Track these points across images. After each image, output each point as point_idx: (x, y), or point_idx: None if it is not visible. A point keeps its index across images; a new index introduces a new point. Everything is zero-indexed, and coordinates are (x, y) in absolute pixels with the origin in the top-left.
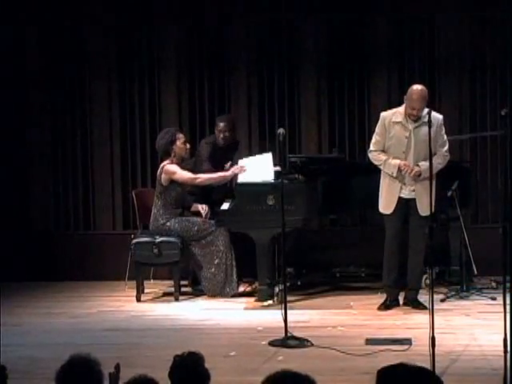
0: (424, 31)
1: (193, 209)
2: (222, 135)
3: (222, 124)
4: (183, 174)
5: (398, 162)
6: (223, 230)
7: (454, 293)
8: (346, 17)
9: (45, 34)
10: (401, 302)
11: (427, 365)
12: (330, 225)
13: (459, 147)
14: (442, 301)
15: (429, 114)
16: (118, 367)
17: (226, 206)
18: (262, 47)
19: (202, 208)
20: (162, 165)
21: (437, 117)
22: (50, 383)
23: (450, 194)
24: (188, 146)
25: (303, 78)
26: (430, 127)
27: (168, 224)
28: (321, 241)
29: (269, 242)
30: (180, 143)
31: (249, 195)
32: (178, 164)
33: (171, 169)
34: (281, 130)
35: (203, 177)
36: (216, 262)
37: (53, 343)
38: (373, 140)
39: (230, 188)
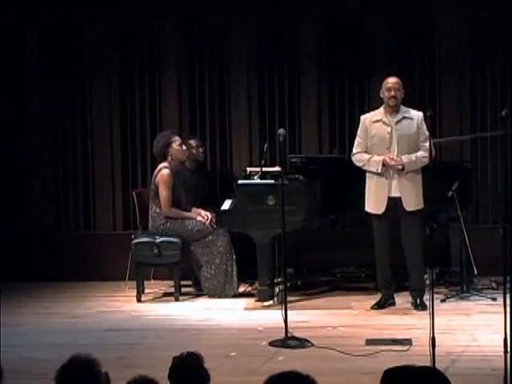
0: (424, 32)
1: (192, 214)
2: (201, 150)
3: (194, 141)
4: (165, 196)
5: (381, 157)
6: (223, 230)
7: (454, 293)
8: (346, 18)
9: (45, 34)
10: (398, 302)
11: (427, 365)
12: (330, 225)
13: (460, 147)
14: (443, 301)
15: (431, 113)
16: (106, 375)
17: (226, 206)
18: (262, 47)
19: (203, 217)
20: (159, 166)
21: (416, 113)
22: (51, 383)
23: (450, 194)
24: (185, 147)
25: (304, 79)
26: (431, 128)
27: (168, 224)
28: (321, 241)
29: (269, 243)
30: (176, 145)
31: (249, 195)
32: (177, 170)
33: (163, 179)
34: (281, 131)
35: (176, 213)
36: (216, 262)
37: (53, 343)
38: (355, 143)
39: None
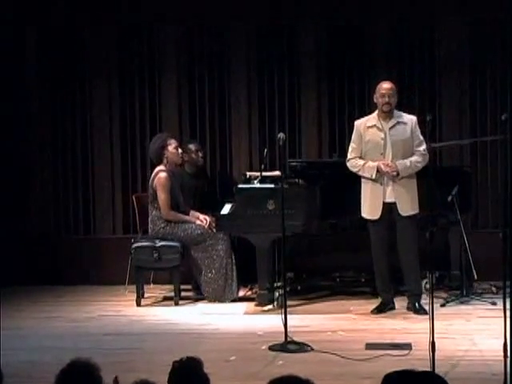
0: (424, 34)
1: (192, 218)
2: (200, 154)
3: (194, 145)
4: (164, 199)
5: (376, 163)
6: (223, 235)
7: (453, 298)
8: (346, 20)
9: (44, 34)
10: (397, 306)
11: (427, 370)
12: (329, 229)
13: (459, 152)
14: (442, 305)
15: (431, 117)
16: (116, 381)
17: (226, 210)
18: (262, 50)
19: (202, 220)
20: (156, 170)
21: (410, 117)
22: None
23: (450, 198)
24: (180, 150)
25: (304, 82)
26: (430, 132)
27: (168, 228)
28: (321, 245)
29: (269, 247)
30: (172, 148)
31: (249, 200)
32: (174, 173)
33: (160, 183)
34: (281, 135)
35: (175, 216)
36: (216, 266)
37: (53, 347)
38: (349, 149)
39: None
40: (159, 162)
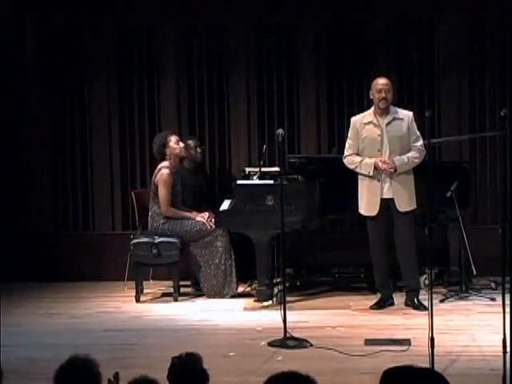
0: (423, 32)
1: (192, 214)
2: (199, 150)
3: (193, 141)
4: (164, 195)
5: (373, 160)
6: (223, 231)
7: (453, 293)
8: (345, 18)
9: (44, 34)
10: (396, 302)
11: (426, 365)
12: (329, 225)
13: (459, 148)
14: (442, 301)
15: (429, 113)
16: (117, 376)
17: (225, 206)
18: (261, 47)
19: (203, 217)
20: (159, 166)
21: (406, 112)
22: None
23: (449, 194)
24: (182, 144)
25: (302, 78)
26: (429, 128)
27: (167, 224)
28: (320, 241)
29: (268, 243)
30: (173, 144)
31: (248, 195)
32: (177, 170)
33: (162, 179)
34: (280, 131)
35: (174, 212)
36: (215, 262)
37: (52, 344)
38: (346, 146)
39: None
40: (163, 160)
